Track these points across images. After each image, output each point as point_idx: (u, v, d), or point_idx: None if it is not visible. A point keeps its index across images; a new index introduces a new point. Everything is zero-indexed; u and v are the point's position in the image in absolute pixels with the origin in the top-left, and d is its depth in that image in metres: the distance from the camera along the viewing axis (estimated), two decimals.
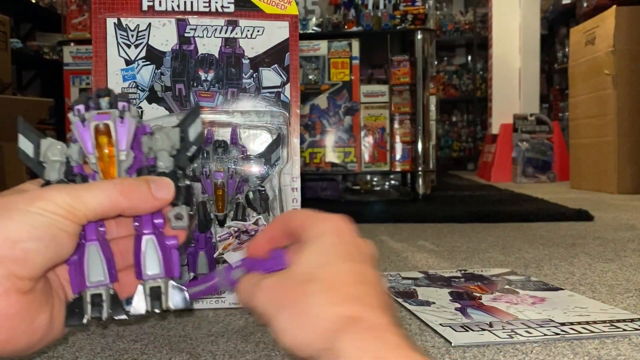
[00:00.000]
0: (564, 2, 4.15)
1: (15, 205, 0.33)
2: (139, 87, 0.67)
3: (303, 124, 2.06)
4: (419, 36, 2.11)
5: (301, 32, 2.19)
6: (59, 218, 0.33)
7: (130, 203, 0.35)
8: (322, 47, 2.07)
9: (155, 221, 0.37)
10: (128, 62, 0.67)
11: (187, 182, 0.39)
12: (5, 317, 0.31)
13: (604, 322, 0.60)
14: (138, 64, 0.67)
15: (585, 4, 2.92)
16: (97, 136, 0.36)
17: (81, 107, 0.37)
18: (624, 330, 0.58)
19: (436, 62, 3.91)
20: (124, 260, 0.39)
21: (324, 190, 2.17)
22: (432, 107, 2.53)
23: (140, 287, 0.37)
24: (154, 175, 0.38)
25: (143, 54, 0.67)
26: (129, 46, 0.66)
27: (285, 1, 0.69)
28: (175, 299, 0.37)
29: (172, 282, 0.37)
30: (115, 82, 0.66)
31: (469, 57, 5.76)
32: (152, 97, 0.67)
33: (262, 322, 0.35)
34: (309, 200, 2.13)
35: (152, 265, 0.36)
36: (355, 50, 2.07)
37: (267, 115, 0.68)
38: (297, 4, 0.73)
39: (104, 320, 0.36)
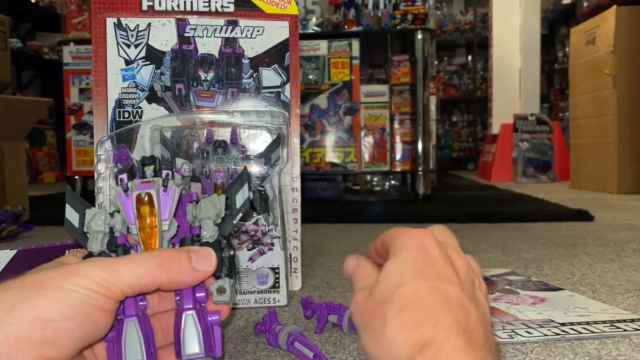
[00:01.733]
0: (564, 2, 4.15)
1: (49, 281, 0.31)
2: (139, 87, 0.67)
3: (303, 124, 2.06)
4: (419, 36, 2.11)
5: (301, 32, 2.19)
6: (93, 294, 0.31)
7: (169, 276, 0.33)
8: (322, 47, 2.07)
9: (197, 295, 0.35)
10: (128, 62, 0.67)
11: (232, 252, 0.37)
12: None
13: (605, 322, 0.60)
14: (138, 64, 0.67)
15: (585, 4, 2.92)
16: (139, 206, 0.35)
17: (124, 176, 0.37)
18: (625, 330, 0.58)
19: (436, 62, 3.91)
20: (166, 336, 0.37)
21: (324, 190, 2.17)
22: (432, 107, 2.53)
23: None
24: (197, 246, 0.36)
25: (143, 53, 0.67)
26: (128, 46, 0.66)
27: (285, 1, 0.69)
28: None
29: None
30: (115, 82, 0.66)
31: (469, 57, 5.76)
32: (152, 97, 0.67)
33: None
34: (309, 200, 2.14)
35: (192, 343, 0.34)
36: (356, 50, 2.07)
37: (267, 115, 0.68)
38: (297, 3, 0.73)
39: None
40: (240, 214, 0.38)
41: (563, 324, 0.60)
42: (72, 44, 2.13)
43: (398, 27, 2.17)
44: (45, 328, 0.29)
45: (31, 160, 3.71)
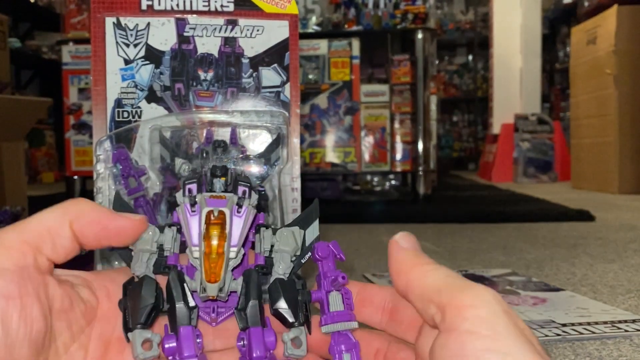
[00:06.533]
0: (565, 2, 4.15)
1: None
2: (138, 87, 0.66)
3: (303, 123, 2.06)
4: (420, 35, 2.11)
5: (301, 31, 2.19)
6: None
7: (79, 214, 0.29)
8: (322, 46, 2.07)
9: (267, 339, 0.30)
10: (127, 62, 0.66)
11: (308, 297, 0.32)
12: None
13: (606, 322, 0.60)
14: (137, 64, 0.66)
15: (586, 3, 2.92)
16: (208, 226, 0.30)
17: (193, 186, 0.31)
18: (626, 331, 0.57)
19: (437, 62, 3.91)
20: None
21: (324, 190, 2.17)
22: (433, 107, 2.53)
23: None
24: (269, 282, 0.31)
25: (142, 53, 0.67)
26: (127, 45, 0.66)
27: (285, 0, 0.69)
28: None
29: None
30: (114, 82, 0.66)
31: (470, 57, 5.75)
32: (151, 97, 0.67)
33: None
34: (309, 201, 2.13)
35: None
36: (356, 50, 2.06)
37: (266, 115, 0.67)
38: (297, 3, 0.73)
39: None
40: (309, 254, 0.34)
41: (564, 325, 0.59)
42: (71, 44, 2.12)
43: (398, 27, 2.17)
44: None
45: (30, 160, 3.70)
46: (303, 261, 0.34)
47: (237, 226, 0.30)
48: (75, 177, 2.13)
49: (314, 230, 0.34)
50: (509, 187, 2.94)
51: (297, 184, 0.70)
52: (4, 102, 1.49)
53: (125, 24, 0.66)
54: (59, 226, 0.29)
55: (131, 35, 0.66)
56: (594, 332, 0.57)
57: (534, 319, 0.62)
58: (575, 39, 2.80)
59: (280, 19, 0.68)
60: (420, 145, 2.13)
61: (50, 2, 4.16)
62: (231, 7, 0.67)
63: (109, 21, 0.66)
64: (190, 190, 0.31)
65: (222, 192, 0.31)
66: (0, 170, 1.49)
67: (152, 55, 0.66)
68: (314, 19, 2.29)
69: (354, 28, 2.19)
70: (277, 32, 0.68)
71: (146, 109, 0.66)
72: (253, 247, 0.34)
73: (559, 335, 0.56)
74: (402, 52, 2.22)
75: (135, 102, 0.66)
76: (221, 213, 0.30)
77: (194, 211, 0.30)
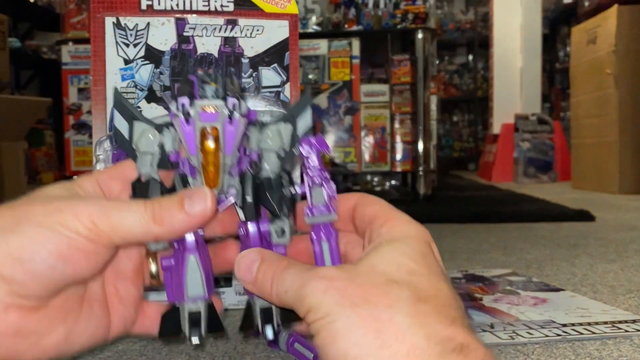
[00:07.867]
0: (565, 1, 4.15)
1: (30, 216, 0.30)
2: (138, 87, 0.66)
3: None
4: (420, 35, 2.11)
5: (301, 31, 2.19)
6: (74, 236, 0.29)
7: (164, 228, 0.31)
8: (322, 46, 2.07)
9: (263, 229, 0.35)
10: (127, 62, 0.66)
11: (293, 190, 0.36)
12: (3, 336, 0.29)
13: (606, 323, 0.60)
14: (137, 64, 0.66)
15: (586, 3, 2.92)
16: (203, 140, 0.32)
17: (186, 100, 0.32)
18: (626, 331, 0.57)
19: (437, 62, 3.90)
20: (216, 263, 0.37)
21: None
22: (433, 107, 2.53)
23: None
24: (260, 180, 0.35)
25: (142, 53, 0.66)
26: (127, 45, 0.66)
27: (285, 0, 0.69)
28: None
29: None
30: (114, 82, 0.66)
31: (470, 57, 5.75)
32: (151, 97, 0.67)
33: (296, 320, 0.32)
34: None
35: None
36: (356, 50, 2.06)
37: (266, 115, 0.67)
38: (297, 2, 0.73)
39: (201, 337, 0.34)
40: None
41: (564, 325, 0.59)
42: (70, 44, 2.12)
43: (398, 27, 2.17)
44: (15, 267, 0.28)
45: (30, 160, 3.70)
46: (296, 153, 0.36)
47: (230, 136, 0.33)
48: (75, 177, 2.13)
49: (306, 119, 0.36)
50: (509, 187, 2.94)
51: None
52: (4, 102, 1.49)
53: (125, 24, 0.66)
54: (141, 234, 0.31)
55: (131, 35, 0.66)
56: (594, 333, 0.57)
57: (534, 319, 0.62)
58: (575, 39, 2.80)
59: (280, 19, 0.68)
60: (420, 145, 2.13)
61: (50, 2, 4.16)
62: (231, 7, 0.67)
63: (109, 21, 0.66)
64: (183, 106, 0.33)
65: (214, 97, 0.33)
66: (0, 170, 1.49)
67: (152, 55, 0.66)
68: (314, 19, 2.29)
69: (354, 28, 2.19)
70: (277, 32, 0.68)
71: (146, 109, 0.66)
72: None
73: (559, 335, 0.56)
74: (402, 52, 2.22)
75: (135, 102, 0.66)
76: (214, 129, 0.32)
77: (189, 124, 0.32)
